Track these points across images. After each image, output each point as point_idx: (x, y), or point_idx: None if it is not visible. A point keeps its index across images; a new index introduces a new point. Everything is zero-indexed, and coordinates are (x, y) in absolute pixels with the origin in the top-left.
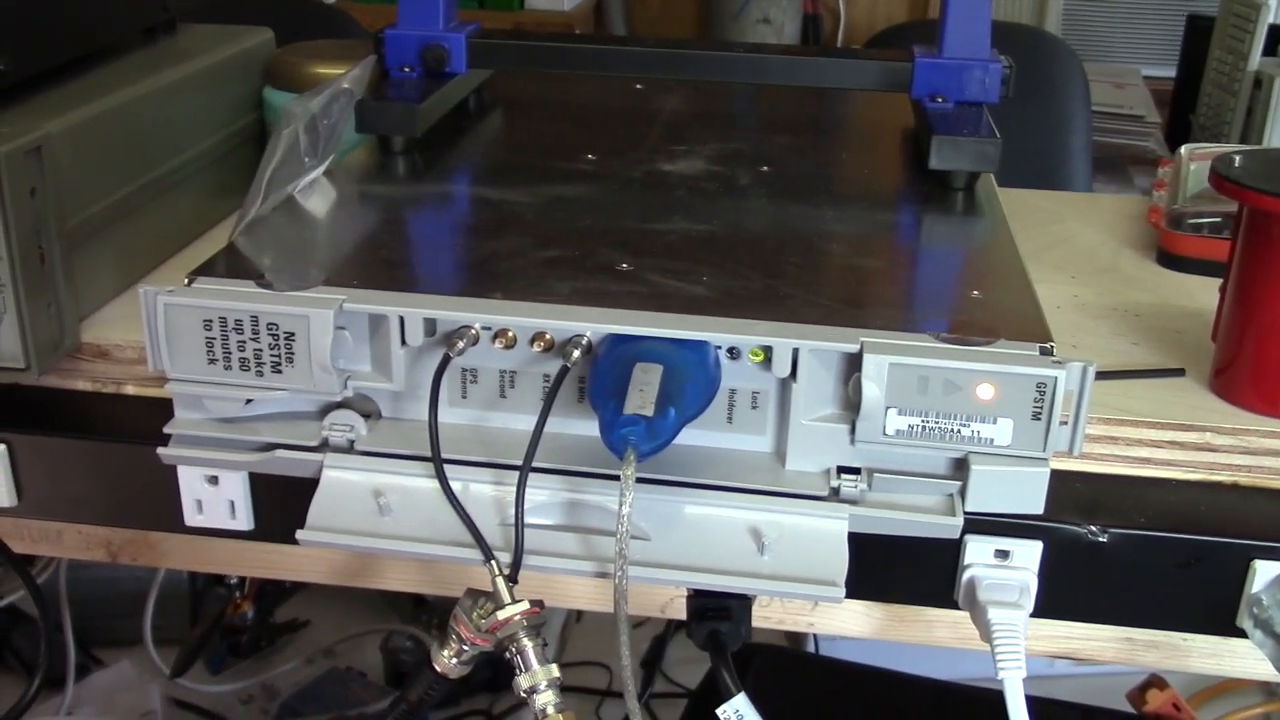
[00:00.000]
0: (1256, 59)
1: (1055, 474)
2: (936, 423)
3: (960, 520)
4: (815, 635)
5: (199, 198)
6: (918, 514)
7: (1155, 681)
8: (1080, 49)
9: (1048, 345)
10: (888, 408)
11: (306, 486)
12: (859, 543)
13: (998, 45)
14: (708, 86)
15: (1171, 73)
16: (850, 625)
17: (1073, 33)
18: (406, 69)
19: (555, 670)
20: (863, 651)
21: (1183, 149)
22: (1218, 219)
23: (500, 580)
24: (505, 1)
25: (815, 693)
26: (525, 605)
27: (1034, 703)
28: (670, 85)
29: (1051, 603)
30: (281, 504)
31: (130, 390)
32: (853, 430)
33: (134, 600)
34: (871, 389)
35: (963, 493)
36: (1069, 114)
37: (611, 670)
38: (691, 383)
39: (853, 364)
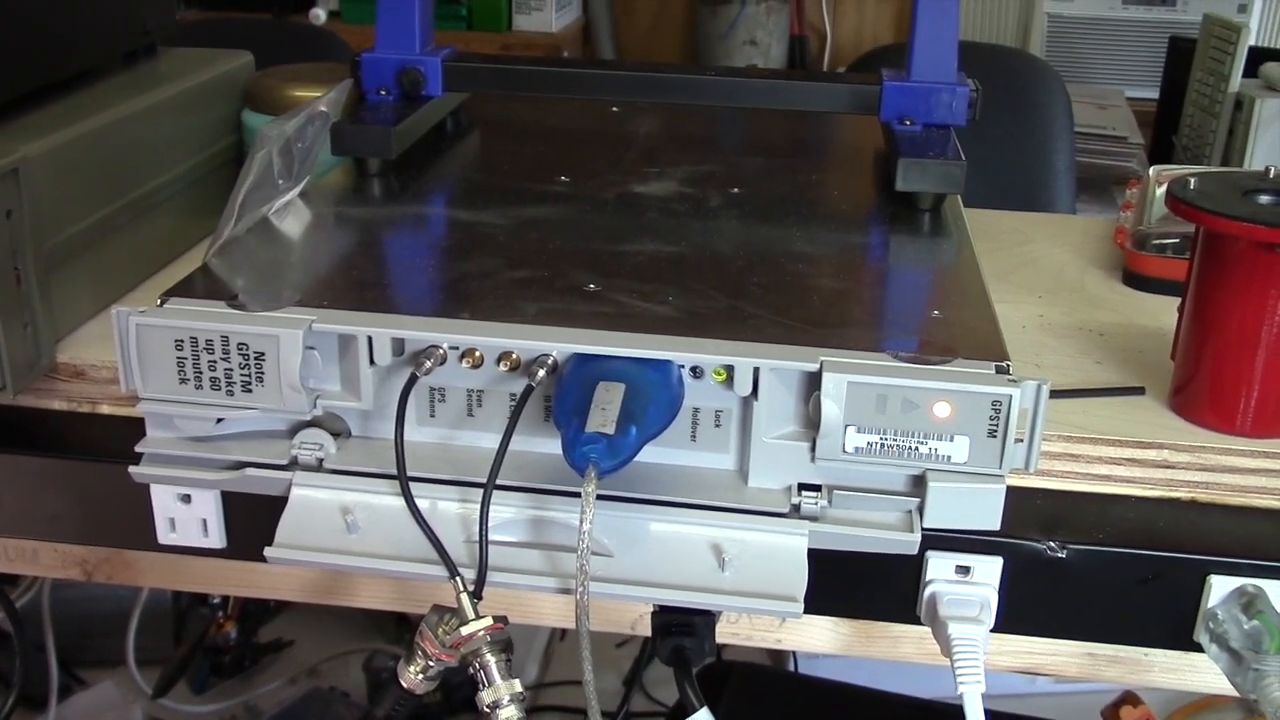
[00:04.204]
0: (1237, 81)
1: (1016, 491)
2: (895, 440)
3: (918, 536)
4: (795, 654)
5: (177, 219)
6: (877, 530)
7: (1129, 698)
8: (1063, 70)
9: (1004, 364)
10: (847, 425)
11: (278, 505)
12: (824, 559)
13: (982, 67)
14: (684, 109)
15: (1154, 94)
16: (817, 641)
17: (1056, 54)
18: (383, 92)
19: (518, 685)
20: (843, 669)
21: (1150, 170)
22: (1181, 240)
23: (464, 596)
24: (493, 22)
25: (791, 710)
26: (489, 621)
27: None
28: (646, 108)
29: (1013, 618)
30: (254, 522)
31: (105, 410)
32: (813, 448)
33: (117, 620)
34: (831, 407)
35: (921, 509)
36: (1052, 135)
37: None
38: (654, 401)
39: (813, 383)
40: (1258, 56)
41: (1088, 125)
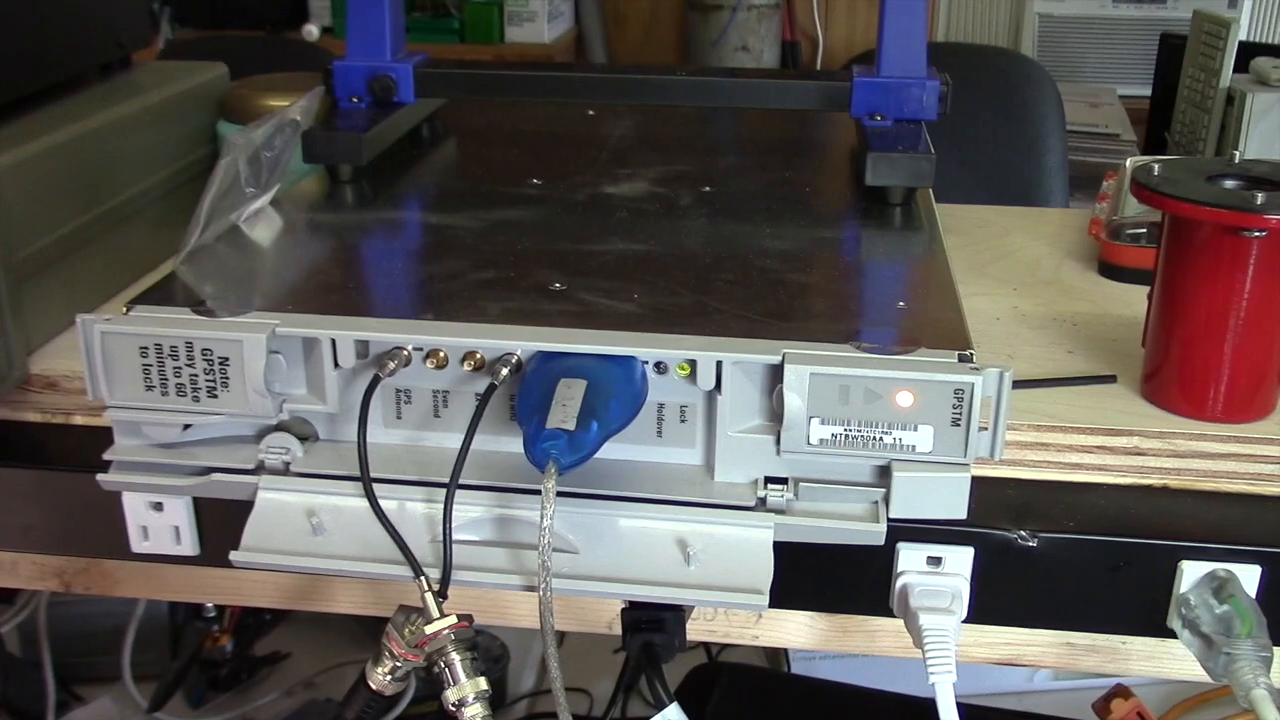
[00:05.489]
0: (1228, 76)
1: (986, 480)
2: (859, 431)
3: (884, 527)
4: (789, 655)
5: (152, 230)
6: (843, 521)
7: (1120, 691)
8: (1055, 69)
9: (966, 352)
10: (810, 417)
11: (249, 510)
12: (798, 553)
13: (972, 69)
14: (660, 111)
15: (1146, 91)
16: (795, 636)
17: (1047, 54)
18: (355, 99)
19: (484, 683)
20: (837, 670)
21: (1126, 162)
22: (1153, 229)
23: (429, 595)
24: (485, 34)
25: (781, 710)
26: (453, 619)
27: (992, 714)
28: (623, 111)
29: (986, 608)
30: (225, 529)
31: (79, 420)
32: (778, 441)
33: (113, 636)
34: (794, 399)
35: (887, 499)
36: (1044, 134)
37: (592, 695)
38: (615, 397)
39: (776, 375)
40: (1248, 51)
41: (1080, 124)
